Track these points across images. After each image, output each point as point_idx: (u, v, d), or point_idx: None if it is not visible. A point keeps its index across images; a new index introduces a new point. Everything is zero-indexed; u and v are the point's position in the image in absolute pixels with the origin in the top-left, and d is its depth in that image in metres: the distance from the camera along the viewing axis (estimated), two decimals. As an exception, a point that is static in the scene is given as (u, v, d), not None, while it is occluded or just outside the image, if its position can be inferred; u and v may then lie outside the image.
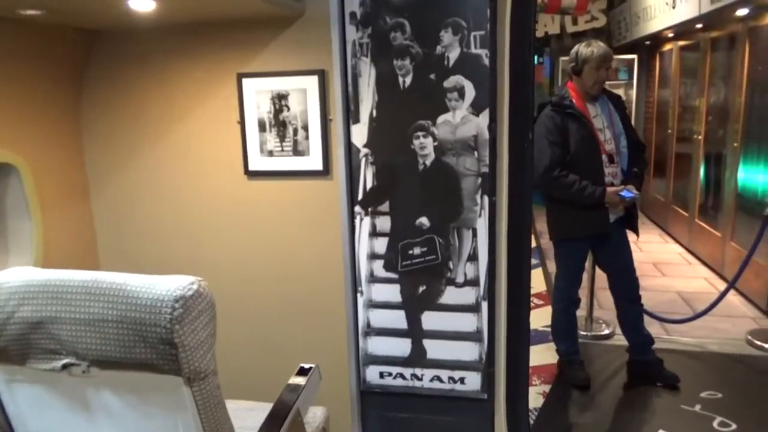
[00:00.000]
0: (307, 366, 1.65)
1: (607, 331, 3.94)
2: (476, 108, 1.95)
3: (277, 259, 2.32)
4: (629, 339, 3.37)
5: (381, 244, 2.08)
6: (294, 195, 2.24)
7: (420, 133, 1.97)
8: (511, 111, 2.02)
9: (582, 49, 2.95)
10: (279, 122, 2.18)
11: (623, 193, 2.90)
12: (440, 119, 1.96)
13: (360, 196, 2.05)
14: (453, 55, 1.93)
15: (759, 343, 3.79)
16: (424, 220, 2.04)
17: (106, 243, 2.45)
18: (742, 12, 4.38)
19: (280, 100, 2.16)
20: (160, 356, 1.07)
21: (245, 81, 2.17)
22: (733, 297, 4.72)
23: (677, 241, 6.43)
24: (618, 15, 7.42)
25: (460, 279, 2.08)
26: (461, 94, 1.95)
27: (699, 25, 5.34)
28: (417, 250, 2.06)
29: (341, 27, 1.96)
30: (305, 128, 2.17)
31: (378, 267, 2.11)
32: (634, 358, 3.35)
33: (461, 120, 1.96)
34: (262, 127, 2.20)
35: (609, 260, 3.20)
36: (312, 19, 2.09)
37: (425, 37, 1.93)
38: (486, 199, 2.00)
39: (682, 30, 5.95)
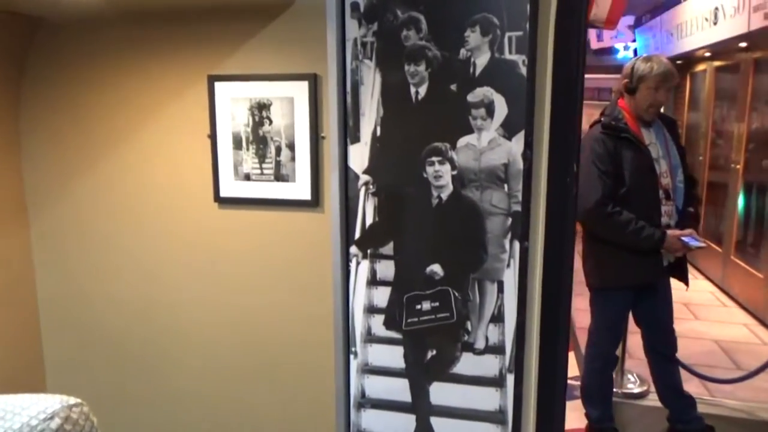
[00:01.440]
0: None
1: (640, 389, 3.48)
2: (508, 129, 1.63)
3: (251, 307, 1.97)
4: (668, 403, 3.01)
5: (382, 296, 1.77)
6: (275, 229, 1.90)
7: (435, 159, 1.67)
8: (553, 135, 1.68)
9: (639, 64, 2.57)
10: (258, 138, 1.83)
11: (687, 240, 2.49)
12: (462, 142, 1.65)
13: (357, 235, 1.74)
14: (481, 60, 1.62)
15: (817, 409, 3.33)
16: (436, 268, 1.73)
17: (47, 277, 2.09)
18: (799, 29, 3.98)
19: (260, 110, 1.81)
20: None
21: (218, 85, 1.83)
22: None
23: (708, 279, 6.00)
24: (647, 32, 7.06)
25: (480, 344, 1.76)
26: (490, 111, 1.63)
27: (743, 44, 4.94)
28: (427, 305, 1.76)
29: (340, 21, 1.66)
30: (291, 147, 1.82)
31: (377, 324, 1.80)
32: (677, 427, 2.92)
33: (488, 144, 1.65)
34: (237, 143, 1.84)
35: (649, 313, 2.83)
36: (303, 11, 1.76)
37: (446, 37, 1.62)
38: (516, 244, 1.68)
39: (721, 49, 5.58)
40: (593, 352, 2.83)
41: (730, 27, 4.69)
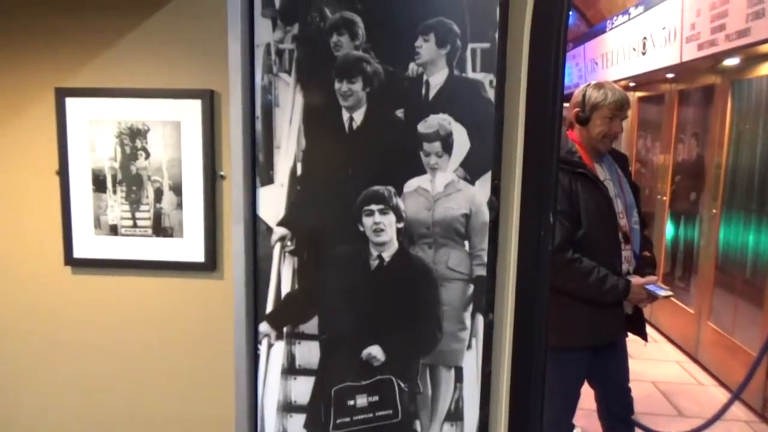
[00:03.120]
0: None
1: (587, 447, 3.21)
2: (470, 170, 1.34)
3: (120, 409, 1.49)
4: (624, 469, 2.69)
5: (302, 389, 1.42)
6: (154, 303, 1.46)
7: (375, 207, 1.35)
8: (527, 177, 1.32)
9: (591, 91, 2.33)
10: (130, 177, 1.41)
11: (652, 289, 2.23)
12: (410, 185, 1.33)
13: (269, 308, 1.38)
14: (436, 79, 1.31)
15: (766, 461, 3.20)
16: (375, 352, 1.41)
17: None
18: (731, 62, 3.96)
19: (133, 138, 1.37)
20: None
21: (71, 102, 1.37)
22: (716, 390, 4.25)
23: (636, 313, 5.97)
24: (570, 60, 7.10)
25: (432, 449, 1.47)
26: (446, 145, 1.33)
27: (670, 75, 4.95)
28: (362, 401, 1.43)
29: (247, 20, 1.29)
30: (176, 190, 1.41)
31: (295, 426, 1.44)
32: (634, 498, 2.64)
33: (445, 188, 1.34)
34: (99, 184, 1.40)
35: (607, 373, 2.59)
36: (194, 4, 1.36)
37: (390, 47, 1.30)
38: (480, 319, 1.39)
39: (645, 80, 5.61)
40: (549, 419, 2.50)
41: (661, 58, 4.67)
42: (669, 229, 5.43)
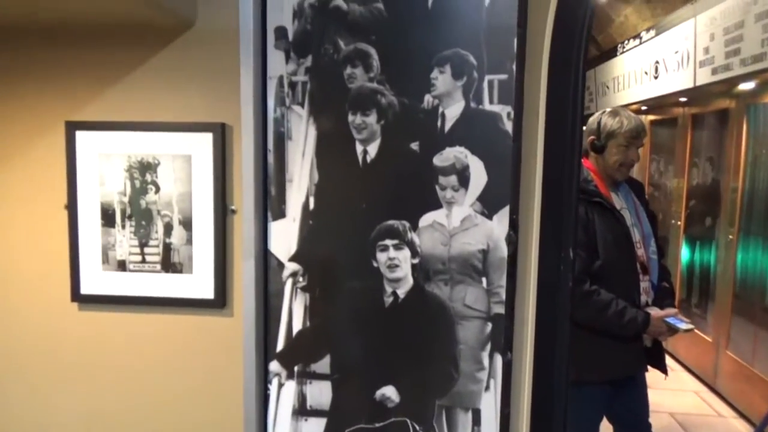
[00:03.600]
0: None
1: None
2: (488, 204, 1.31)
3: None
4: None
5: (313, 431, 1.39)
6: (162, 341, 1.43)
7: (389, 242, 1.33)
8: (545, 211, 1.30)
9: (606, 119, 2.29)
10: (140, 212, 1.40)
11: (673, 321, 2.18)
12: (425, 220, 1.31)
13: (280, 346, 1.35)
14: (452, 111, 1.29)
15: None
16: (389, 392, 1.38)
17: None
18: (746, 86, 3.93)
19: (143, 172, 1.37)
20: None
21: (81, 136, 1.36)
22: (736, 422, 4.15)
23: (651, 340, 5.87)
24: (580, 84, 7.11)
25: (449, 495, 1.43)
26: (463, 179, 1.31)
27: (683, 99, 4.92)
28: None
29: (259, 52, 1.28)
30: (186, 224, 1.40)
31: None
32: None
33: (461, 223, 1.32)
34: (108, 218, 1.40)
35: (627, 408, 2.50)
36: (206, 36, 1.34)
37: (405, 79, 1.29)
38: (498, 359, 1.34)
39: (657, 104, 5.58)
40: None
41: (674, 82, 4.65)
42: (684, 255, 5.35)
